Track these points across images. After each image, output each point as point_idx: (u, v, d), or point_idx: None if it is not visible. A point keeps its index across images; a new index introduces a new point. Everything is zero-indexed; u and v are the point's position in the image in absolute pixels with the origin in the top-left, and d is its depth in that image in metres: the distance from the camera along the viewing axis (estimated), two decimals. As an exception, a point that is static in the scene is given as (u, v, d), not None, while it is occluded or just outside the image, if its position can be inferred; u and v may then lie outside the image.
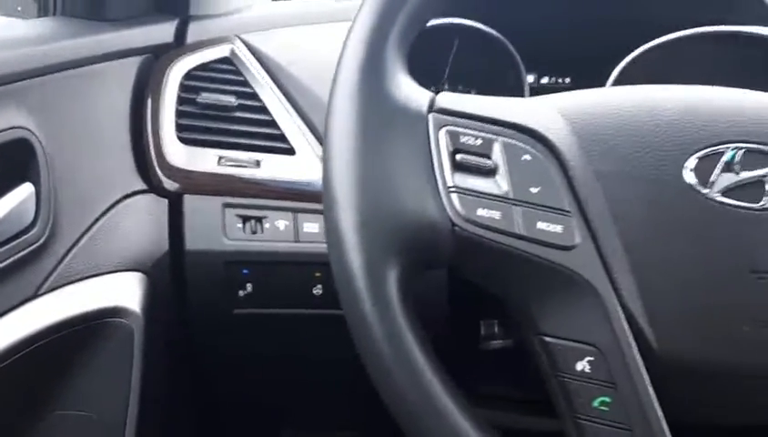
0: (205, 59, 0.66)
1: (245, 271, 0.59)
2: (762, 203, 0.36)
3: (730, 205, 0.36)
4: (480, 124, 0.37)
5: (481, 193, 0.36)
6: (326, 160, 0.37)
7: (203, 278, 0.58)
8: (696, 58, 0.68)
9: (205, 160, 0.61)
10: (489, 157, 0.37)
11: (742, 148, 0.37)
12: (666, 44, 0.67)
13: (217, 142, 0.62)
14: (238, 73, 0.65)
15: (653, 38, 0.67)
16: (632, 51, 0.68)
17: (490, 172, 0.37)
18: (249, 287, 0.59)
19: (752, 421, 0.38)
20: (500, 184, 0.36)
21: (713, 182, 0.37)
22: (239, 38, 0.68)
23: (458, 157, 0.37)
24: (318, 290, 0.60)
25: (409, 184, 0.36)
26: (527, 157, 0.37)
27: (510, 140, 0.37)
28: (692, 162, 0.37)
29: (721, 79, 0.67)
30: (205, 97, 0.63)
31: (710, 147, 0.37)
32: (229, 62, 0.66)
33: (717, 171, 0.37)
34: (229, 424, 0.72)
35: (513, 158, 0.37)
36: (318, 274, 0.59)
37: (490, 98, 0.39)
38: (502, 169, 0.37)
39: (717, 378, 0.36)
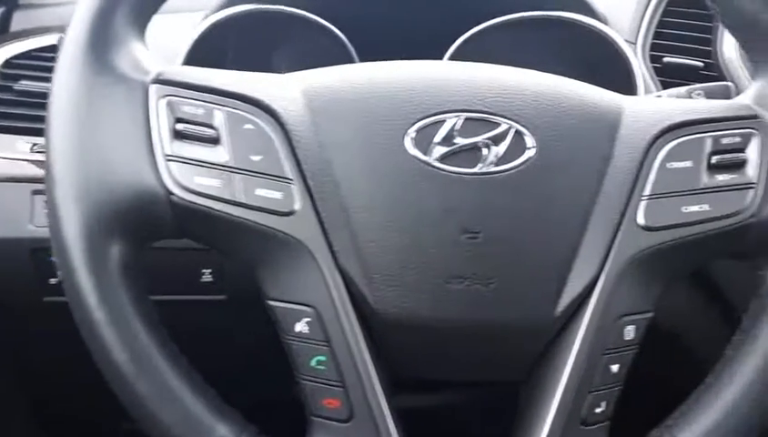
0: (29, 47, 0.65)
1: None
2: (477, 168, 0.38)
3: (447, 170, 0.38)
4: (203, 94, 0.38)
5: (201, 161, 0.37)
6: (45, 132, 0.37)
7: (8, 265, 0.57)
8: (522, 42, 0.71)
9: (16, 147, 0.60)
10: (211, 127, 0.37)
11: (461, 117, 0.39)
12: (491, 28, 0.69)
13: (32, 129, 0.61)
14: None
15: (483, 22, 0.70)
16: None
17: (212, 141, 0.37)
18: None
19: (472, 376, 0.40)
20: (221, 152, 0.37)
21: (433, 149, 0.38)
22: (71, 27, 0.68)
23: (179, 126, 0.37)
24: None
25: (126, 154, 0.36)
26: (249, 126, 0.38)
27: (232, 110, 0.38)
28: (413, 131, 0.38)
29: (546, 61, 0.70)
30: (23, 85, 0.63)
31: (431, 116, 0.39)
32: (57, 50, 0.66)
33: (437, 139, 0.38)
34: (64, 416, 0.71)
35: (235, 127, 0.37)
36: None
37: (220, 71, 0.39)
38: (224, 138, 0.37)
39: (435, 334, 0.38)
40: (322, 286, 0.37)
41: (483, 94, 0.40)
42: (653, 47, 0.69)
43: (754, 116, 0.41)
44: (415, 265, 0.37)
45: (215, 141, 0.37)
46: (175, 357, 0.37)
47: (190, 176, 0.36)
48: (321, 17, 0.69)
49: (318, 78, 0.40)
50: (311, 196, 0.37)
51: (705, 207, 0.39)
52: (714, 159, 0.40)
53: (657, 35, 0.70)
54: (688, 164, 0.40)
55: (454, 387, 0.44)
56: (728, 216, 0.39)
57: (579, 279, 0.38)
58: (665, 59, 0.68)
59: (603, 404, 0.38)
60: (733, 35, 0.44)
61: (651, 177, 0.39)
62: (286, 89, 0.39)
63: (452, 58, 0.69)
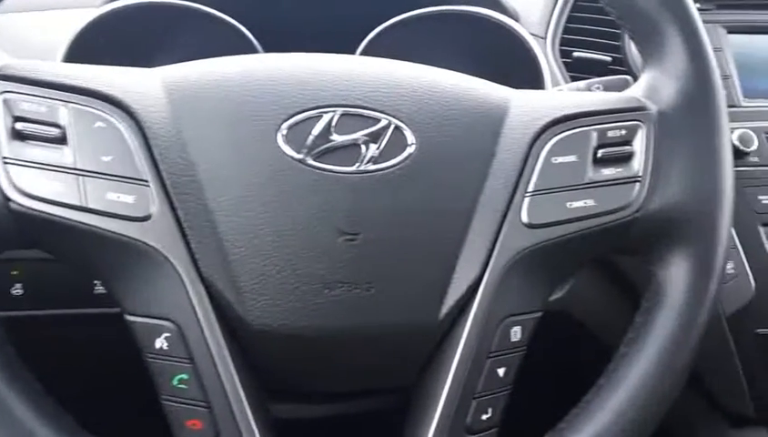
0: None
1: None
2: (355, 166, 0.36)
3: (323, 169, 0.36)
4: (46, 90, 0.34)
5: (45, 164, 0.33)
6: None
7: None
8: (433, 37, 0.70)
9: None
10: (56, 126, 0.34)
11: (338, 112, 0.36)
12: (401, 23, 0.68)
13: None
14: None
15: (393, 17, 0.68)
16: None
17: (57, 141, 0.34)
18: None
19: (356, 385, 0.38)
20: (67, 153, 0.34)
21: (308, 147, 0.36)
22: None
23: (18, 125, 0.34)
24: (17, 291, 0.56)
25: None
26: (100, 123, 0.34)
27: (80, 106, 0.34)
28: (286, 127, 0.36)
29: (456, 56, 0.69)
30: None
31: (306, 111, 0.36)
32: None
33: (312, 136, 0.36)
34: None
35: (83, 126, 0.34)
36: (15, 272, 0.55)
37: (70, 65, 0.36)
38: (71, 138, 0.34)
39: (313, 344, 0.35)
40: (183, 298, 0.34)
41: (362, 88, 0.37)
42: (564, 42, 0.69)
43: (641, 108, 0.40)
44: (288, 271, 0.35)
45: (60, 141, 0.34)
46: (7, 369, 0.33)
47: (32, 180, 0.33)
48: (226, 13, 0.66)
49: (182, 72, 0.38)
50: (169, 199, 0.34)
51: (590, 202, 0.38)
52: (600, 153, 0.39)
53: (567, 30, 0.69)
54: (573, 158, 0.38)
55: (341, 396, 0.41)
56: (613, 211, 0.38)
57: (462, 279, 0.36)
58: (575, 54, 0.67)
59: (490, 410, 0.36)
60: (622, 26, 0.43)
61: (536, 172, 0.38)
62: (144, 84, 0.36)
63: (364, 54, 0.68)
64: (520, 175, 0.38)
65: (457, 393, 0.35)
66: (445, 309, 0.36)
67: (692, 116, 0.40)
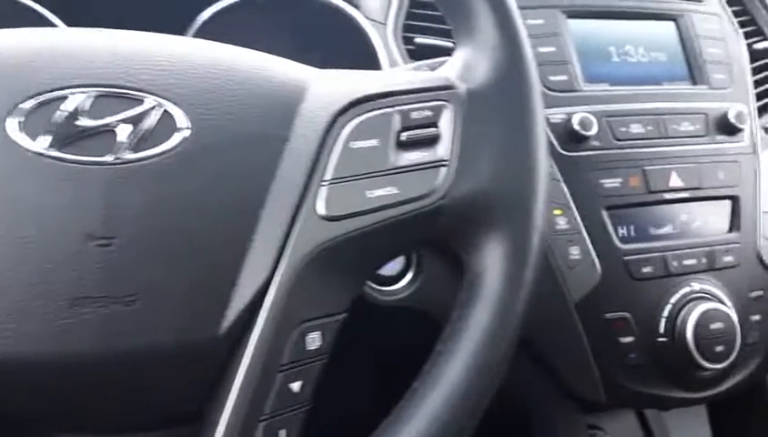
0: None
1: None
2: (109, 156, 0.31)
3: (66, 160, 0.30)
4: None
5: None
6: None
7: None
8: (269, 22, 0.65)
9: None
10: None
11: (90, 93, 0.31)
12: (231, 8, 0.63)
13: None
14: None
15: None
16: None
17: None
18: None
19: (126, 418, 0.32)
20: None
21: (48, 135, 0.30)
22: None
23: None
24: None
25: None
26: None
27: None
28: (20, 113, 0.30)
29: (293, 42, 0.65)
30: None
31: (46, 93, 0.30)
32: None
33: (54, 121, 0.30)
34: None
35: None
36: None
37: None
38: None
39: (65, 373, 0.30)
40: None
41: (123, 65, 0.32)
42: (407, 28, 0.66)
43: (448, 87, 0.37)
44: (24, 287, 0.29)
45: None
46: None
47: None
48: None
49: None
50: None
51: (393, 190, 0.34)
52: (404, 136, 0.35)
53: (410, 16, 0.66)
54: (374, 143, 0.35)
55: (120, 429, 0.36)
56: (417, 198, 0.35)
57: (248, 284, 0.32)
58: (416, 40, 0.65)
59: (282, 434, 0.32)
60: (436, 3, 0.40)
61: (333, 159, 0.34)
62: None
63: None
64: (316, 162, 0.34)
65: (239, 417, 0.31)
66: (228, 321, 0.31)
67: (502, 94, 0.37)
